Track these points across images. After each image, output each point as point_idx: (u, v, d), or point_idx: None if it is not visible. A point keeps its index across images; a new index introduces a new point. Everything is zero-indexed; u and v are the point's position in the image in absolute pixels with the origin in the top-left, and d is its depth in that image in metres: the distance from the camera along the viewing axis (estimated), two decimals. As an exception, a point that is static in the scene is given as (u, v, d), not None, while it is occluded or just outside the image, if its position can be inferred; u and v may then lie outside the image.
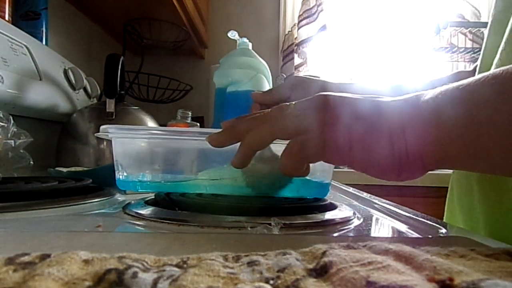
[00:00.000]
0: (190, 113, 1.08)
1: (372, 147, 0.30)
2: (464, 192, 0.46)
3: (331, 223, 0.35)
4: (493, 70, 0.27)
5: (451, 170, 0.51)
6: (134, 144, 0.43)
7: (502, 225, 0.38)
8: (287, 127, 0.31)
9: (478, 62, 0.45)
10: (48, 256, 0.17)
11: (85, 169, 0.73)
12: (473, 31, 1.65)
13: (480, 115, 0.26)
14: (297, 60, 1.79)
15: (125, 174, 0.43)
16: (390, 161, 0.29)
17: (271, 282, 0.16)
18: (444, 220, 0.51)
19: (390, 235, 0.35)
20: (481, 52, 0.44)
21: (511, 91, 0.25)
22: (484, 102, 0.26)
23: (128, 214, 0.36)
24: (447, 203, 0.53)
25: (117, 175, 0.44)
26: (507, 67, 0.26)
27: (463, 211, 0.46)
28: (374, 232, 0.36)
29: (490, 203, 0.39)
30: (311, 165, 0.32)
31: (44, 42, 0.91)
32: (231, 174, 0.41)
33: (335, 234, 0.33)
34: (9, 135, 0.62)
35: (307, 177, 0.43)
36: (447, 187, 0.53)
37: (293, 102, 0.32)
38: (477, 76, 0.27)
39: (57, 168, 0.64)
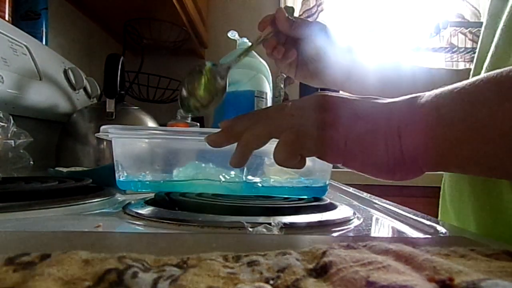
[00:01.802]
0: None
1: (367, 146, 0.30)
2: (455, 194, 0.45)
3: (331, 223, 0.35)
4: (487, 73, 0.27)
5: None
6: (134, 144, 0.43)
7: (493, 227, 0.38)
8: (282, 126, 0.30)
9: (473, 66, 0.45)
10: (48, 256, 0.17)
11: (85, 169, 0.73)
12: (473, 31, 1.65)
13: (476, 118, 0.26)
14: (297, 60, 1.79)
15: (125, 174, 0.43)
16: (384, 161, 0.29)
17: (271, 282, 0.16)
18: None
19: (390, 235, 0.35)
20: (475, 56, 0.44)
21: (506, 93, 0.25)
22: (479, 105, 0.26)
23: (128, 214, 0.36)
24: (440, 205, 0.53)
25: (117, 175, 0.44)
26: (501, 70, 0.26)
27: (456, 214, 0.46)
28: (374, 232, 0.36)
29: (481, 205, 0.39)
30: (310, 165, 0.32)
31: (44, 42, 0.91)
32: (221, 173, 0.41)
33: (335, 234, 0.33)
34: (9, 135, 0.62)
35: (306, 177, 0.44)
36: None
37: (290, 102, 0.32)
38: (472, 79, 0.27)
39: (57, 168, 0.64)
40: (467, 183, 0.41)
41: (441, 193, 0.53)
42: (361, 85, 0.54)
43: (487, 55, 0.39)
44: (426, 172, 0.31)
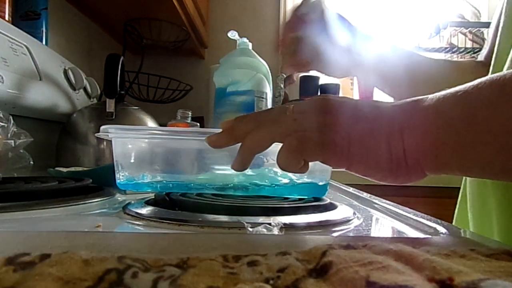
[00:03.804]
0: (190, 113, 1.07)
1: (370, 149, 0.30)
2: (477, 199, 0.45)
3: (331, 223, 0.35)
4: (490, 76, 0.27)
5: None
6: (134, 144, 0.43)
7: None
8: (285, 131, 0.30)
9: (491, 66, 0.44)
10: (48, 256, 0.17)
11: (85, 169, 0.73)
12: (473, 31, 1.65)
13: (478, 120, 0.26)
14: (297, 60, 1.79)
15: (125, 174, 0.43)
16: (387, 164, 0.29)
17: (271, 282, 0.16)
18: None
19: (390, 235, 0.35)
20: (493, 56, 0.44)
21: (509, 95, 0.25)
22: (482, 108, 0.26)
23: (128, 214, 0.36)
24: (458, 209, 0.52)
25: (117, 176, 0.44)
26: (505, 72, 0.26)
27: (476, 218, 0.46)
28: (374, 232, 0.36)
29: (505, 210, 0.39)
30: (310, 165, 0.32)
31: (44, 42, 0.91)
32: (230, 177, 0.41)
33: (335, 234, 0.33)
34: (9, 135, 0.62)
35: (306, 177, 0.44)
36: (448, 187, 0.53)
37: (292, 105, 0.32)
38: (475, 82, 0.27)
39: (57, 168, 0.64)
40: (489, 187, 0.41)
41: (459, 199, 0.52)
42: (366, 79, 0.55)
43: (506, 58, 0.39)
44: (426, 176, 0.31)
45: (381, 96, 0.57)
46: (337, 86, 1.68)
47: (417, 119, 0.29)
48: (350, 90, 1.73)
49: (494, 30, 0.52)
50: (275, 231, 0.31)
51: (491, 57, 0.45)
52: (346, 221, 0.37)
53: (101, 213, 0.39)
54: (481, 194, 0.44)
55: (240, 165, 0.32)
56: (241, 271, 0.17)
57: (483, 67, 0.54)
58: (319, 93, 1.65)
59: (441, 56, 1.71)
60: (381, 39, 0.57)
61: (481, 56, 0.58)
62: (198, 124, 1.11)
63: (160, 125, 0.97)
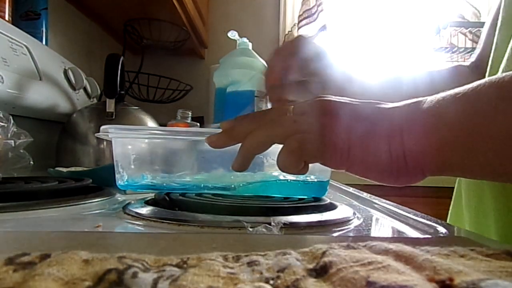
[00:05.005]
0: (190, 113, 1.08)
1: (370, 150, 0.30)
2: (474, 197, 0.45)
3: (331, 223, 0.35)
4: (489, 77, 0.27)
5: None
6: (134, 144, 0.43)
7: None
8: (285, 132, 0.30)
9: (488, 67, 0.44)
10: (48, 256, 0.17)
11: (85, 169, 0.73)
12: (473, 31, 1.65)
13: (478, 122, 0.26)
14: (297, 60, 1.79)
15: (125, 174, 0.43)
16: (387, 166, 0.29)
17: (271, 282, 0.16)
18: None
19: (390, 235, 0.35)
20: (491, 57, 0.44)
21: (508, 97, 0.25)
22: (481, 110, 0.26)
23: (128, 214, 0.36)
24: (453, 207, 0.52)
25: (117, 175, 0.44)
26: (504, 74, 0.26)
27: (472, 216, 0.46)
28: (374, 232, 0.36)
29: (502, 208, 0.39)
30: (310, 165, 0.32)
31: (44, 42, 0.91)
32: (230, 179, 0.41)
33: (335, 234, 0.33)
34: (9, 135, 0.62)
35: (306, 177, 0.44)
36: (448, 187, 0.53)
37: (292, 105, 0.32)
38: (474, 84, 0.27)
39: (57, 168, 0.64)
40: (486, 185, 0.41)
41: (453, 196, 0.52)
42: (361, 92, 0.54)
43: (503, 58, 0.39)
44: (427, 177, 0.31)
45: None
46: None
47: (417, 121, 0.29)
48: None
49: (488, 30, 0.52)
50: (275, 231, 0.31)
51: (487, 58, 0.45)
52: (346, 221, 0.37)
53: (101, 213, 0.39)
54: (477, 192, 0.44)
55: (240, 165, 0.32)
56: (241, 271, 0.17)
57: (472, 72, 0.54)
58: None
59: (441, 56, 1.71)
60: (361, 73, 0.57)
61: (473, 56, 0.58)
62: (198, 124, 1.11)
63: (160, 125, 0.97)
